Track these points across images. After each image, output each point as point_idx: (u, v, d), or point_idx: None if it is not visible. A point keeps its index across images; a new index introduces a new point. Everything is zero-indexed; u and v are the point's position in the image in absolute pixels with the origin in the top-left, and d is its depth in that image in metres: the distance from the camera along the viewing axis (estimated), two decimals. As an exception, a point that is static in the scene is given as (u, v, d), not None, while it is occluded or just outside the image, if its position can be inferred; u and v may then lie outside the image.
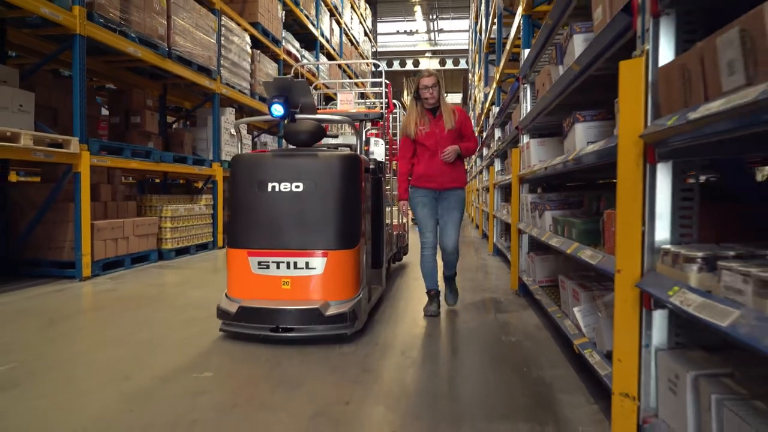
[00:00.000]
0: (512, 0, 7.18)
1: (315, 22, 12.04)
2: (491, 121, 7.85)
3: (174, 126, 8.34)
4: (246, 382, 2.26)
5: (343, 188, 2.84)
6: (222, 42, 7.28)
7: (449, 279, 3.53)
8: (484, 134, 9.34)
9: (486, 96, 9.56)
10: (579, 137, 2.39)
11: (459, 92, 26.64)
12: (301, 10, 10.94)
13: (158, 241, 5.91)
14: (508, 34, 6.36)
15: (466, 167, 3.54)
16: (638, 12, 1.52)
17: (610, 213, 1.85)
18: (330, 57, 13.52)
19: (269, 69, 9.11)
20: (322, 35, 12.65)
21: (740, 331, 0.90)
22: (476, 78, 13.32)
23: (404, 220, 5.55)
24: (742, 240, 1.38)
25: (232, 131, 7.75)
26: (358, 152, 3.23)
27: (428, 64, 25.19)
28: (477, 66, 13.03)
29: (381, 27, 27.79)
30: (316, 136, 3.15)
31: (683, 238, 1.42)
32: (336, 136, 5.05)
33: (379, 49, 25.94)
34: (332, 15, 13.92)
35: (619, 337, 1.49)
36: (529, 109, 3.81)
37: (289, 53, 10.25)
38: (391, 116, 5.16)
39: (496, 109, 7.22)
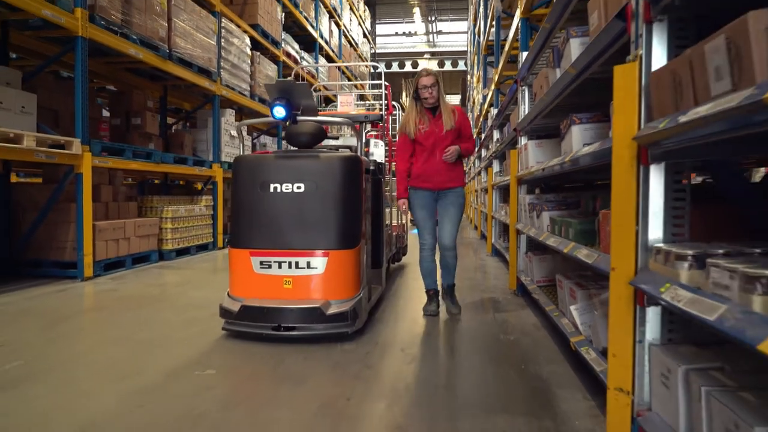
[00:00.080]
0: (510, 2, 7.25)
1: (314, 24, 12.09)
2: (490, 122, 7.90)
3: (174, 127, 8.38)
4: (249, 379, 2.31)
5: (344, 189, 2.89)
6: (222, 44, 7.33)
7: (449, 291, 3.44)
8: (483, 136, 9.39)
9: (484, 98, 9.62)
10: (575, 139, 2.44)
11: (457, 93, 26.70)
12: (301, 12, 10.99)
13: (159, 242, 5.94)
14: (507, 36, 6.42)
15: (465, 168, 3.53)
16: (632, 18, 1.57)
17: (605, 213, 1.90)
18: (329, 58, 13.57)
19: (269, 71, 9.16)
20: (322, 37, 12.70)
21: (726, 324, 0.94)
22: (475, 79, 13.39)
23: (403, 221, 5.59)
24: (732, 239, 1.43)
25: (232, 132, 7.80)
26: (359, 153, 3.28)
27: (427, 65, 25.25)
28: (475, 68, 13.10)
29: (380, 29, 27.86)
30: (317, 138, 3.20)
31: (675, 237, 1.47)
32: (337, 138, 5.09)
33: (377, 51, 26.02)
34: (331, 17, 13.98)
35: (614, 334, 1.54)
36: (527, 111, 3.86)
37: (288, 55, 10.30)
38: (390, 118, 5.20)
39: (494, 111, 7.27)
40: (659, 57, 1.48)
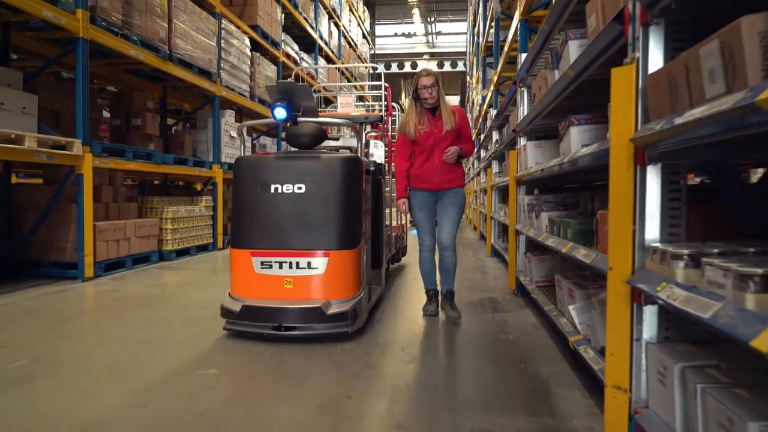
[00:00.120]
0: (509, 4, 7.28)
1: (314, 25, 12.12)
2: (489, 123, 7.93)
3: (174, 128, 8.40)
4: (251, 378, 2.33)
5: (345, 190, 2.91)
6: (222, 45, 7.35)
7: (448, 297, 3.34)
8: (482, 136, 9.42)
9: (484, 98, 9.65)
10: (574, 140, 2.47)
11: (457, 94, 26.76)
12: (300, 13, 11.01)
13: (159, 243, 5.96)
14: (506, 37, 6.45)
15: (464, 168, 3.52)
16: (629, 21, 1.59)
17: (603, 213, 1.92)
18: (328, 59, 13.60)
19: (268, 71, 9.19)
20: (321, 38, 12.73)
21: (720, 321, 0.97)
22: (474, 80, 13.42)
23: (403, 222, 5.62)
24: (727, 239, 1.45)
25: (232, 133, 7.82)
26: (359, 154, 3.30)
27: (426, 66, 25.28)
28: (475, 68, 13.13)
29: (379, 29, 27.90)
30: (317, 139, 3.22)
31: (672, 237, 1.49)
32: (337, 139, 5.12)
33: (377, 52, 26.05)
34: (331, 18, 14.00)
35: (612, 332, 1.56)
36: (526, 112, 3.88)
37: (288, 56, 10.33)
38: (390, 119, 5.22)
39: (493, 112, 7.30)
40: (656, 59, 1.50)
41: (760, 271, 0.95)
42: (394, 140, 4.76)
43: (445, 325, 3.22)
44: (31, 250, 4.81)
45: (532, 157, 3.54)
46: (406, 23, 27.57)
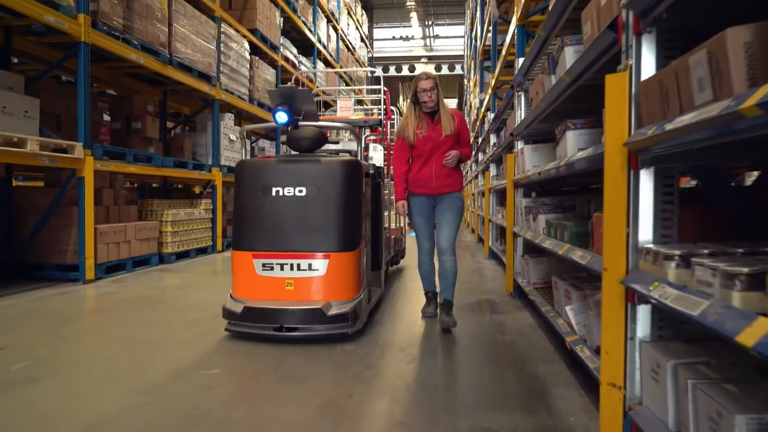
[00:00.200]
0: (507, 9, 7.35)
1: (312, 29, 12.19)
2: (486, 126, 7.99)
3: (173, 131, 8.43)
4: (253, 378, 2.36)
5: (345, 193, 2.95)
6: (221, 48, 7.40)
7: (446, 306, 3.16)
8: (480, 139, 9.48)
9: (481, 102, 9.72)
10: (570, 144, 2.52)
11: (454, 97, 26.86)
12: (299, 17, 11.08)
13: (159, 245, 5.99)
14: (503, 42, 6.51)
15: (462, 172, 3.52)
16: (622, 29, 1.64)
17: (598, 216, 1.96)
18: (327, 63, 13.67)
19: (267, 75, 9.24)
20: (320, 41, 12.80)
21: (708, 318, 1.01)
22: (472, 84, 13.50)
23: (401, 224, 5.66)
24: (718, 240, 1.50)
25: (231, 136, 7.86)
26: (358, 158, 3.34)
27: (424, 69, 25.37)
28: (472, 72, 13.21)
29: (377, 33, 28.03)
30: (318, 142, 3.26)
31: (664, 239, 1.54)
32: (337, 142, 5.17)
33: (375, 55, 26.16)
34: (329, 21, 14.08)
35: (607, 331, 1.60)
36: (523, 116, 3.93)
37: (286, 59, 10.38)
38: (389, 122, 5.28)
39: (491, 115, 7.36)
40: (648, 67, 1.55)
41: (745, 270, 0.99)
42: (393, 143, 4.81)
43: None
44: (32, 252, 4.83)
45: (529, 161, 3.59)
46: (404, 26, 27.71)
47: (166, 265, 5.99)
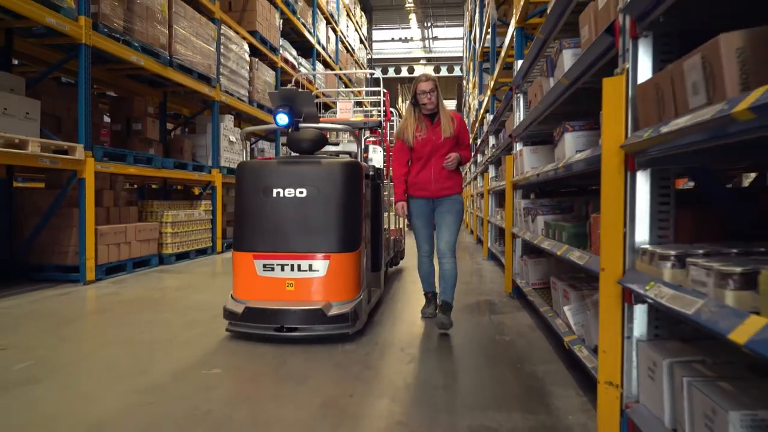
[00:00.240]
0: (506, 11, 7.39)
1: (312, 30, 12.22)
2: (485, 128, 8.02)
3: (173, 133, 8.46)
4: (254, 378, 2.38)
5: (345, 194, 2.97)
6: (221, 50, 7.43)
7: (444, 308, 3.15)
8: (479, 141, 9.51)
9: (480, 104, 9.75)
10: (568, 146, 2.54)
11: (453, 99, 26.91)
12: (298, 19, 11.11)
13: (159, 246, 6.01)
14: (502, 43, 6.55)
15: (462, 174, 3.50)
16: (620, 33, 1.66)
17: (595, 217, 1.99)
18: (326, 64, 13.70)
19: (267, 77, 9.26)
20: (319, 43, 12.83)
21: (702, 317, 1.03)
22: (470, 85, 13.54)
23: (400, 225, 5.68)
24: (713, 241, 1.52)
25: (231, 138, 7.88)
26: (358, 159, 3.36)
27: (423, 71, 25.43)
28: (471, 74, 13.25)
29: (376, 34, 28.07)
30: (318, 144, 3.29)
31: (661, 239, 1.56)
32: (337, 144, 5.19)
33: (374, 56, 26.19)
34: (328, 23, 14.11)
35: (604, 330, 1.63)
36: (522, 118, 3.96)
37: (286, 61, 10.41)
38: (388, 124, 5.30)
39: (490, 117, 7.39)
40: (645, 70, 1.57)
41: (738, 269, 1.01)
42: (392, 145, 4.83)
43: (443, 326, 3.27)
44: (33, 254, 4.85)
45: (528, 162, 3.61)
46: (403, 28, 27.75)
47: (165, 266, 6.00)
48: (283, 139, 8.95)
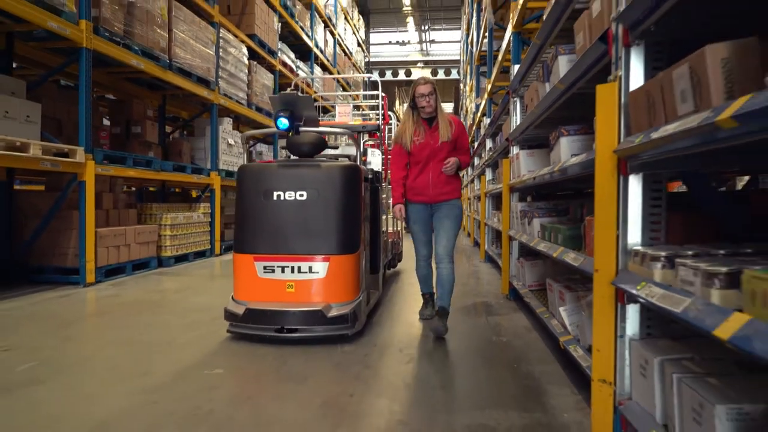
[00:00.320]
0: (503, 15, 7.46)
1: (310, 34, 12.28)
2: (482, 131, 8.08)
3: (172, 135, 8.49)
4: (255, 378, 2.42)
5: (345, 197, 3.02)
6: (220, 53, 7.47)
7: (441, 313, 3.10)
8: (476, 144, 9.58)
9: (477, 107, 9.82)
10: (564, 150, 2.59)
11: (450, 102, 27.04)
12: (297, 22, 11.16)
13: (158, 249, 6.03)
14: (499, 47, 6.61)
15: (461, 178, 3.47)
16: (613, 41, 1.72)
17: (590, 219, 2.04)
18: (324, 67, 13.76)
19: (265, 80, 9.30)
20: (317, 46, 12.89)
21: (690, 315, 1.08)
22: (468, 88, 13.61)
23: (399, 228, 5.73)
24: (704, 242, 1.58)
25: (230, 141, 7.92)
26: (357, 162, 3.40)
27: (420, 73, 25.52)
28: (468, 77, 13.32)
29: (374, 37, 28.14)
30: (318, 148, 3.33)
31: (652, 241, 1.61)
32: (336, 147, 5.24)
33: (371, 59, 26.27)
34: (326, 26, 14.17)
35: (598, 330, 1.67)
36: (518, 122, 4.01)
37: (284, 64, 10.45)
38: (386, 127, 5.35)
39: (487, 120, 7.45)
40: (637, 77, 1.63)
41: (724, 269, 1.06)
42: (391, 148, 4.87)
43: (441, 327, 3.31)
44: (33, 256, 4.87)
45: (524, 166, 3.66)
46: (400, 31, 27.82)
47: (164, 268, 6.03)
48: (283, 142, 9.00)
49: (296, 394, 2.18)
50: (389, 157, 5.31)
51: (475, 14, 10.27)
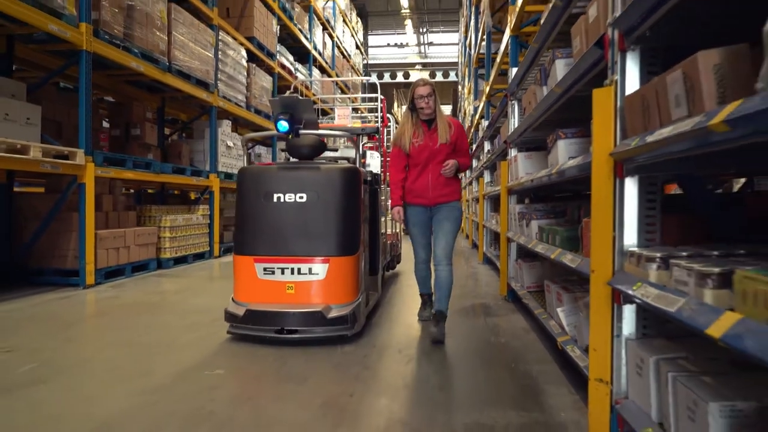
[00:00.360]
0: (501, 18, 7.50)
1: (308, 36, 12.31)
2: (481, 133, 8.12)
3: (171, 138, 8.50)
4: (256, 378, 2.44)
5: (344, 199, 3.04)
6: (219, 56, 7.49)
7: (439, 317, 3.06)
8: (474, 146, 9.61)
9: (476, 109, 9.86)
10: (561, 152, 2.62)
11: (449, 104, 27.11)
12: (295, 24, 11.20)
13: (157, 251, 6.05)
14: (497, 50, 6.65)
15: (460, 180, 3.46)
16: (609, 46, 1.75)
17: (587, 221, 2.07)
18: (322, 70, 13.79)
19: (264, 82, 9.33)
20: (315, 48, 12.92)
21: (683, 314, 1.11)
22: (466, 91, 13.66)
23: (397, 230, 5.75)
24: (697, 244, 1.60)
25: (229, 143, 7.94)
26: (357, 165, 3.43)
27: (419, 75, 25.57)
28: (466, 79, 13.37)
29: (372, 40, 28.19)
30: (317, 150, 3.36)
31: (648, 243, 1.64)
32: (336, 150, 5.26)
33: (370, 62, 26.32)
34: (324, 28, 14.21)
35: (594, 330, 1.70)
36: (516, 125, 4.04)
37: (283, 66, 10.48)
38: (385, 130, 5.38)
39: (485, 123, 7.48)
40: (633, 82, 1.66)
41: (716, 270, 1.09)
42: (390, 151, 4.89)
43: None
44: (33, 257, 4.88)
45: (522, 168, 3.68)
46: (398, 34, 27.87)
47: (164, 270, 6.04)
48: (282, 145, 9.01)
49: (296, 394, 2.20)
50: (388, 159, 5.34)
51: (473, 17, 10.31)
